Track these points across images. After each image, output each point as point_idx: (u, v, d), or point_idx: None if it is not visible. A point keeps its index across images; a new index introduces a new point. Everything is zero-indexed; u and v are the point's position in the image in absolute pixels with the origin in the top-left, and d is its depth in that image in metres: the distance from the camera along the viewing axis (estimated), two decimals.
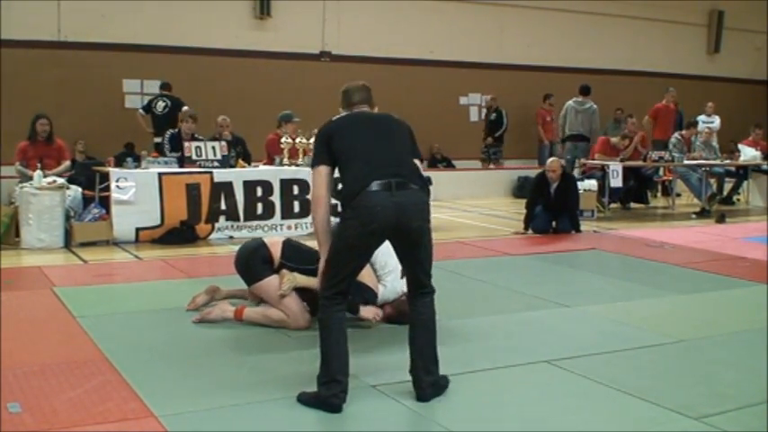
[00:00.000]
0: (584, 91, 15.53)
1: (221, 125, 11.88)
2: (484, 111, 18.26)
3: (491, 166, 17.44)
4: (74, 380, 4.47)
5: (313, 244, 4.93)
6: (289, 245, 5.83)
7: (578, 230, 10.78)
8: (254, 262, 5.73)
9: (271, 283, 5.65)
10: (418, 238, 4.31)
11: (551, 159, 11.24)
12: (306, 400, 4.23)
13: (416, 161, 4.52)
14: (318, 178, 4.39)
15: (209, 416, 4.03)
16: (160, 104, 13.46)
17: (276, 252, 5.71)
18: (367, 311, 5.57)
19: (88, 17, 14.37)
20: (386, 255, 5.43)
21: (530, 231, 10.70)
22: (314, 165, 4.44)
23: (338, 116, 4.62)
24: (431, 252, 4.41)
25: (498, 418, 4.07)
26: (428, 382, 4.31)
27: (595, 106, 15.50)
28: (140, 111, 13.99)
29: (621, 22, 19.49)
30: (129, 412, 4.02)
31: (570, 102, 15.60)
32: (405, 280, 4.65)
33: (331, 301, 4.28)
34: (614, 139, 13.84)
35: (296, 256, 5.74)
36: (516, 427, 3.96)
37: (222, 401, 4.21)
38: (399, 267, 4.67)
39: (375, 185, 4.16)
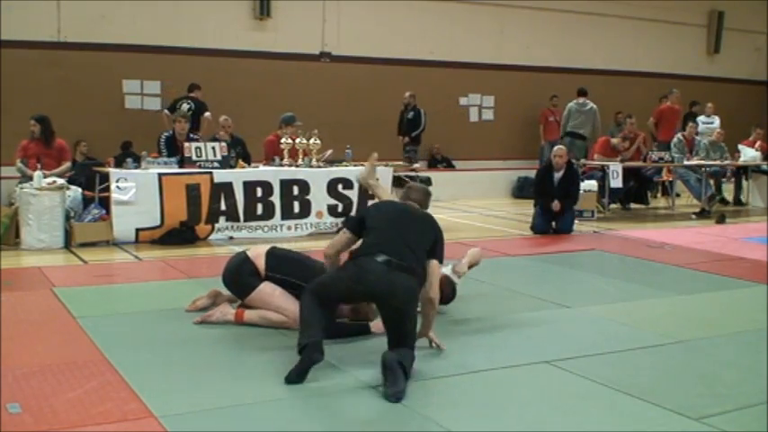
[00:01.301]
0: (583, 93, 16.30)
1: (223, 125, 11.82)
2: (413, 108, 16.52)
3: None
4: (74, 380, 4.47)
5: (302, 247, 5.23)
6: (272, 255, 5.81)
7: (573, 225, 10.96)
8: (242, 276, 5.75)
9: (263, 290, 5.67)
10: (397, 315, 4.69)
11: (558, 146, 11.25)
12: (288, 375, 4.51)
13: (434, 262, 5.03)
14: (337, 238, 5.33)
15: (209, 416, 4.03)
16: (185, 106, 13.47)
17: (260, 264, 5.72)
18: (377, 327, 5.54)
19: (88, 18, 14.35)
20: None
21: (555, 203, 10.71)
22: (344, 224, 5.34)
23: (385, 200, 5.68)
24: (411, 328, 4.73)
25: (498, 418, 4.07)
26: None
27: (595, 106, 16.01)
28: (165, 111, 13.96)
29: (621, 22, 19.48)
30: (128, 413, 4.02)
31: (572, 103, 16.27)
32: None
33: (309, 292, 4.81)
34: (614, 140, 13.85)
35: (282, 266, 5.74)
36: (516, 427, 3.96)
37: (222, 402, 4.22)
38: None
39: (380, 257, 4.73)
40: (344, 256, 5.22)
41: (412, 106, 16.08)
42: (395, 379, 4.31)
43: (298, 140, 10.72)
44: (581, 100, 16.23)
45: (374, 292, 4.75)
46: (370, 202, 10.65)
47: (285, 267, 5.73)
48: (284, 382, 4.45)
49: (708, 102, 17.44)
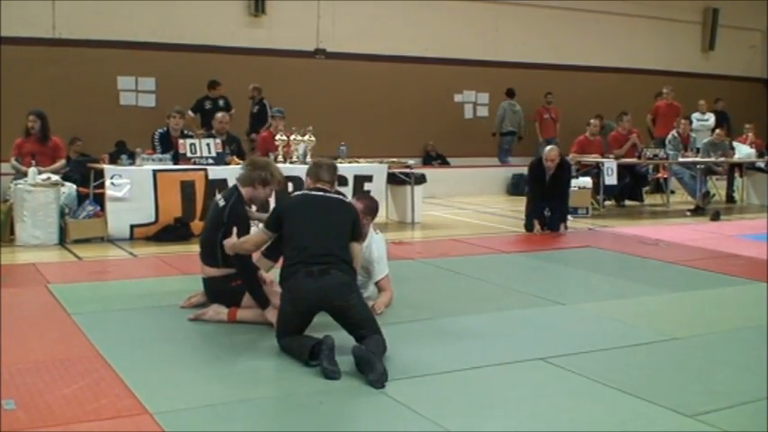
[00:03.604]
0: (512, 94, 17.76)
1: (221, 121, 11.75)
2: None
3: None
4: (68, 377, 4.46)
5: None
6: (203, 255, 5.93)
7: (566, 227, 10.69)
8: (222, 290, 5.80)
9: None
10: (343, 312, 4.94)
11: (550, 147, 10.86)
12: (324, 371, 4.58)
13: (355, 245, 5.30)
14: (256, 237, 5.48)
15: (203, 413, 4.03)
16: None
17: (215, 272, 5.81)
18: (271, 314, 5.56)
19: (83, 14, 14.34)
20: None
21: (537, 229, 10.43)
22: (264, 226, 5.41)
23: (298, 193, 5.65)
24: (365, 314, 5.01)
25: (493, 415, 4.08)
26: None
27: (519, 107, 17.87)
28: (189, 112, 13.96)
29: (616, 19, 19.51)
30: (123, 409, 4.01)
31: (505, 104, 17.57)
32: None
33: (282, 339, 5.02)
34: (587, 134, 13.77)
35: (215, 248, 5.80)
36: (511, 424, 3.96)
37: (216, 398, 4.21)
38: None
39: (302, 274, 4.92)
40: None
41: (257, 100, 15.00)
42: (372, 366, 4.46)
43: (293, 137, 10.71)
44: (512, 101, 17.53)
45: (313, 306, 4.98)
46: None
47: (212, 240, 5.79)
48: (324, 378, 4.49)
49: (702, 98, 17.48)
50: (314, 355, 4.66)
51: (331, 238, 5.15)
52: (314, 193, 5.43)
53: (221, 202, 5.82)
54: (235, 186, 5.95)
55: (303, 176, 10.18)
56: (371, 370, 4.43)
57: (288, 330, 4.98)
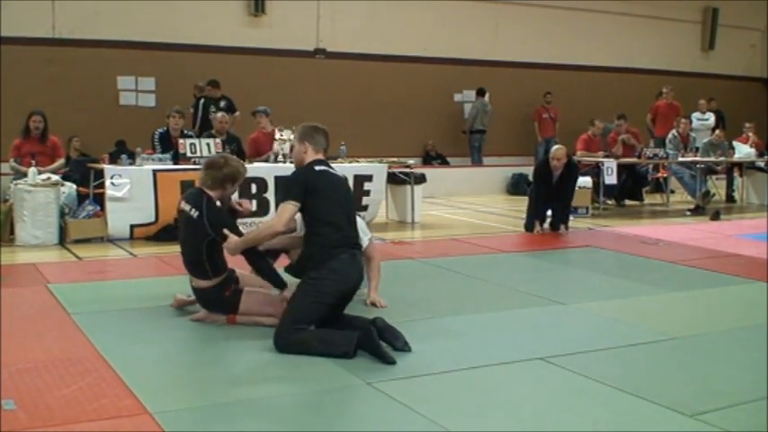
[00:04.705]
0: (483, 93, 17.56)
1: (221, 121, 11.73)
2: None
3: None
4: (68, 377, 4.46)
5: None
6: (186, 265, 5.80)
7: (567, 227, 10.61)
8: (218, 298, 5.68)
9: (247, 300, 5.65)
10: (350, 298, 5.27)
11: (556, 147, 10.66)
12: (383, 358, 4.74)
13: None
14: (285, 213, 5.11)
15: (203, 413, 4.03)
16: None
17: (205, 283, 5.68)
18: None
19: (83, 14, 14.34)
20: None
21: (537, 230, 10.40)
22: (286, 198, 5.13)
23: (316, 168, 5.23)
24: None
25: (493, 415, 4.07)
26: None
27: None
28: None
29: (616, 19, 19.50)
30: (123, 409, 4.01)
31: (477, 103, 17.49)
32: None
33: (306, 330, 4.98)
34: (590, 132, 13.78)
35: (191, 262, 5.73)
36: (511, 424, 3.96)
37: (217, 398, 4.21)
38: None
39: (347, 254, 5.03)
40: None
41: (200, 96, 14.11)
42: (395, 334, 4.86)
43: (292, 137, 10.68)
44: (484, 100, 17.46)
45: (354, 285, 5.20)
46: (364, 199, 10.66)
47: (197, 254, 5.63)
48: (385, 363, 4.66)
49: (702, 98, 17.47)
50: (360, 345, 4.75)
51: (353, 220, 5.35)
52: (331, 171, 5.33)
53: (194, 213, 5.55)
54: (200, 190, 5.73)
55: None
56: (396, 338, 4.87)
57: (310, 319, 4.97)
